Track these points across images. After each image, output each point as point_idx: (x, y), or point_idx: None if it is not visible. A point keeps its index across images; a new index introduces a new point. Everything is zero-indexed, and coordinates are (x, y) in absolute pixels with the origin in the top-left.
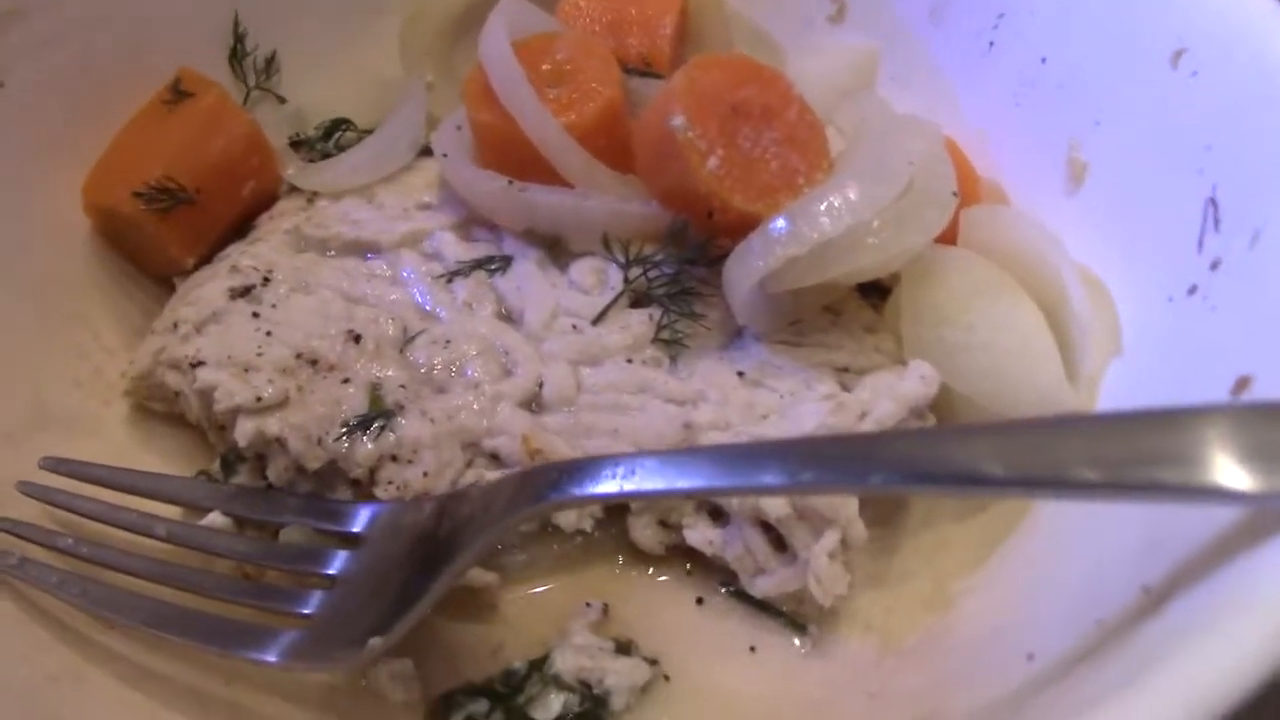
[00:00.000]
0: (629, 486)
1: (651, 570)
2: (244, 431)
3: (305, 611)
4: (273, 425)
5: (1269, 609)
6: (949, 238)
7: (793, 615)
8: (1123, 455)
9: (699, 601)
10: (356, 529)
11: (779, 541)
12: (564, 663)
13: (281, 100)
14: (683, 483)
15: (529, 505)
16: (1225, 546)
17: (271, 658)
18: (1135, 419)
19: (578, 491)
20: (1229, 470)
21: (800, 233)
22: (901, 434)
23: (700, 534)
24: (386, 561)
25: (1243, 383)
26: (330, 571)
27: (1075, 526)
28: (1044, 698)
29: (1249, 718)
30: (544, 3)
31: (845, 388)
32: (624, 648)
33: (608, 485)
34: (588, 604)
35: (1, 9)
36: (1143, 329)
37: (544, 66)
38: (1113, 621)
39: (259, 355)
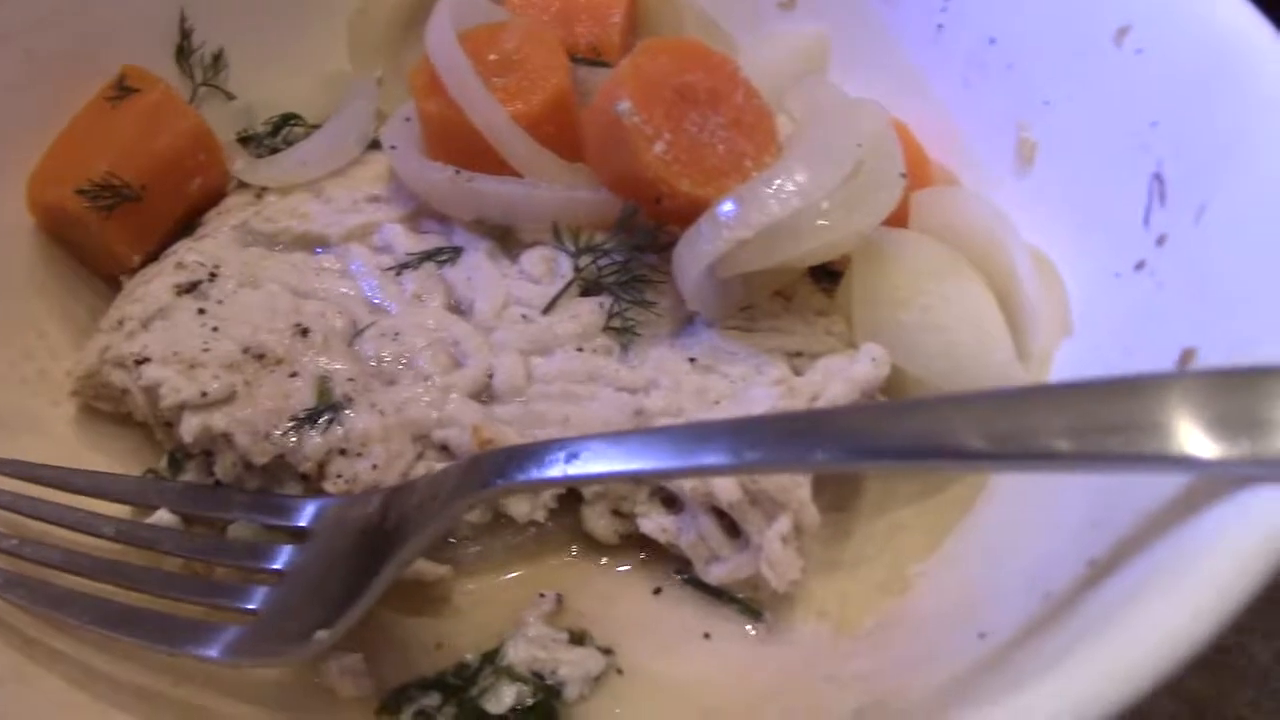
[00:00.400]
0: (574, 470)
1: (606, 560)
2: (189, 428)
3: (251, 607)
4: (219, 421)
5: (1201, 578)
6: (899, 220)
7: (748, 602)
8: (1088, 424)
9: (656, 592)
10: (303, 523)
11: (733, 528)
12: (516, 654)
13: (230, 97)
14: (629, 464)
15: (473, 492)
16: (1166, 519)
17: (215, 653)
18: (1096, 388)
19: (522, 477)
20: (1195, 438)
21: (748, 216)
22: (847, 409)
23: (654, 522)
24: (332, 555)
25: (1187, 355)
26: (276, 566)
27: (1028, 504)
28: (990, 675)
29: None
30: None
31: (797, 372)
32: (578, 638)
33: (553, 470)
34: (541, 595)
35: None
36: (1091, 306)
37: (491, 56)
38: (1059, 596)
39: (205, 351)
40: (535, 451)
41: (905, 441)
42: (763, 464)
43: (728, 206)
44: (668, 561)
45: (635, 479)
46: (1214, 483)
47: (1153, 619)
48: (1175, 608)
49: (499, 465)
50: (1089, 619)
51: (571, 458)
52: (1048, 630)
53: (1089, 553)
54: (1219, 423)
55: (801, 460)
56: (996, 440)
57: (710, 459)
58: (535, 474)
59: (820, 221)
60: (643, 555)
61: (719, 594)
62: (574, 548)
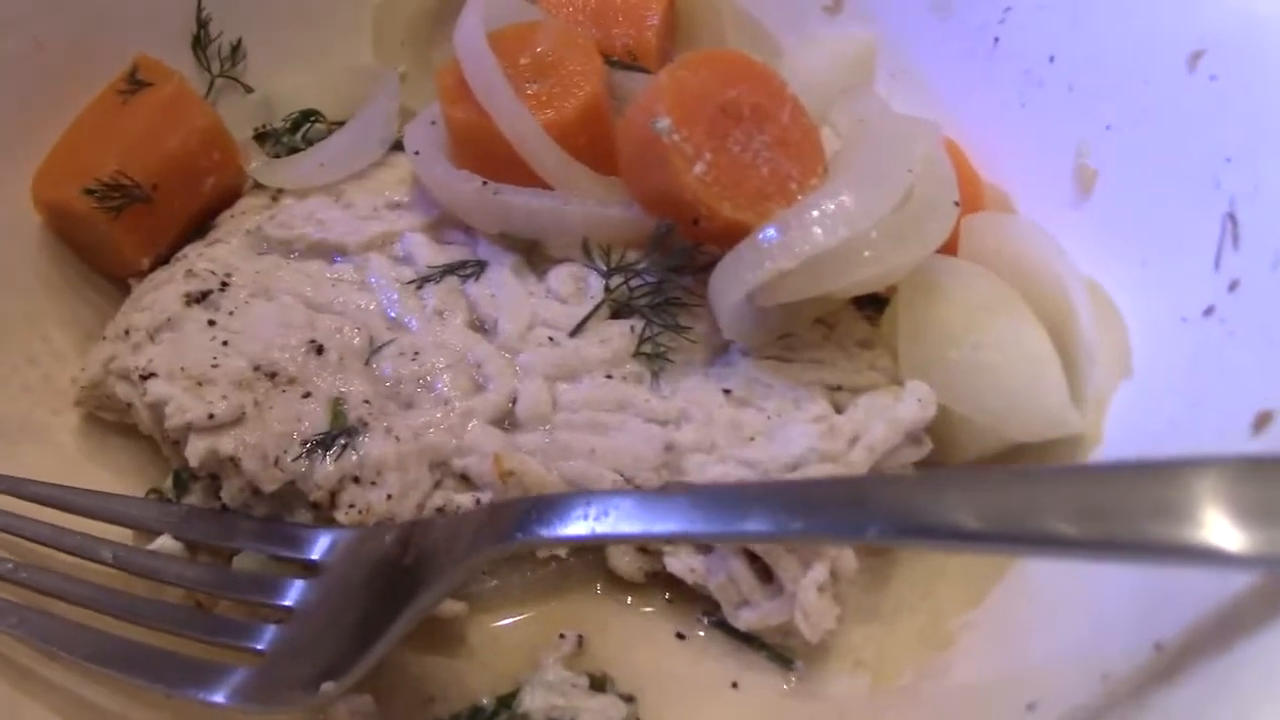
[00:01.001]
0: (602, 529)
1: (630, 599)
2: (195, 451)
3: (258, 647)
4: (226, 444)
5: None
6: (949, 247)
7: (778, 649)
8: (1102, 507)
9: (680, 636)
10: (315, 556)
11: (765, 571)
12: (534, 700)
13: (248, 89)
14: (660, 527)
15: (494, 545)
16: (1240, 609)
17: (219, 698)
18: (1125, 470)
19: (546, 533)
20: (1222, 529)
21: (791, 244)
22: (898, 480)
23: (682, 562)
24: (346, 593)
25: (1264, 419)
26: (286, 603)
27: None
28: None
29: None
30: None
31: (837, 407)
32: (598, 683)
33: (579, 526)
34: (561, 635)
35: None
36: (1154, 350)
37: (522, 59)
38: (1121, 678)
39: (214, 367)
40: (561, 506)
41: (966, 522)
42: (807, 534)
43: (770, 233)
44: (694, 603)
45: (667, 541)
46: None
47: None
48: None
49: (521, 518)
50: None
51: (600, 515)
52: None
53: (1155, 633)
54: (1252, 512)
55: (850, 535)
56: (989, 520)
57: (750, 526)
58: (559, 530)
59: (867, 252)
60: (668, 595)
61: (748, 640)
62: (597, 585)
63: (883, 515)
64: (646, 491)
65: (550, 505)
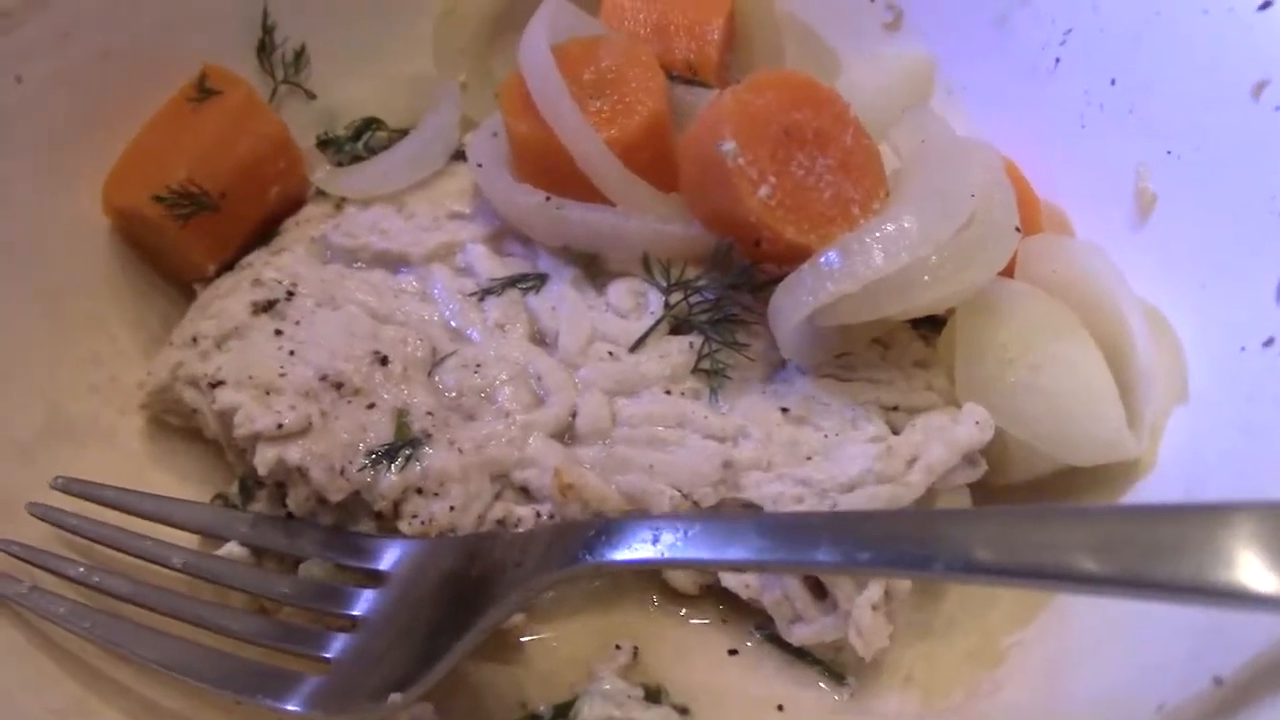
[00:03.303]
0: (670, 554)
1: (684, 611)
2: (264, 459)
3: (327, 655)
4: (294, 454)
5: None
6: (1006, 269)
7: (830, 665)
8: (1125, 543)
9: (733, 652)
10: (382, 567)
11: (819, 588)
12: (591, 710)
13: (311, 96)
14: (729, 554)
15: (561, 567)
16: None
17: (294, 706)
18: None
19: (612, 556)
20: (1255, 570)
21: (853, 269)
22: (965, 516)
23: (737, 577)
24: (413, 603)
25: None
26: (355, 612)
27: None
28: None
29: None
30: (587, 2)
31: (894, 427)
32: (653, 694)
33: (645, 551)
34: (617, 646)
35: None
36: (1211, 377)
37: (586, 74)
38: (1177, 709)
39: (281, 376)
40: (628, 530)
41: (1033, 562)
42: (873, 567)
43: (833, 257)
44: (748, 616)
45: (733, 568)
46: None
47: None
48: None
49: (589, 540)
50: None
51: (667, 540)
52: None
53: (1212, 665)
54: None
55: (916, 570)
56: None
57: (818, 556)
58: (626, 554)
59: (928, 277)
60: (721, 608)
61: (800, 654)
62: (652, 596)
63: (949, 552)
64: (713, 517)
65: (617, 529)
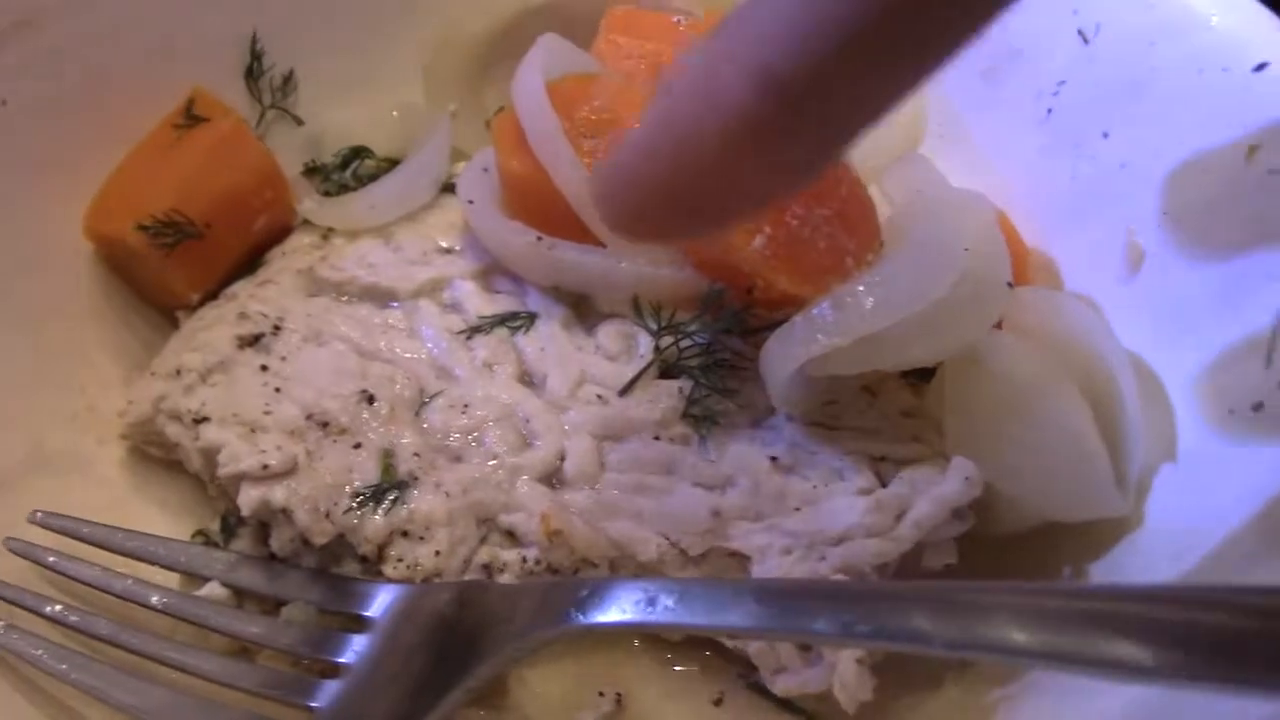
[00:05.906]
0: (664, 618)
1: (669, 655)
2: (248, 500)
3: (313, 704)
4: (279, 495)
5: None
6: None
7: (814, 715)
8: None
9: (717, 702)
10: (368, 612)
11: None
12: None
13: (299, 121)
14: (725, 620)
15: (549, 627)
16: None
17: None
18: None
19: (602, 619)
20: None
21: (845, 323)
22: (963, 590)
23: None
24: (402, 652)
25: None
26: (341, 659)
27: None
28: None
29: None
30: (581, 36)
31: (881, 478)
32: None
33: (637, 614)
34: (600, 693)
35: (12, 18)
36: (1199, 438)
37: (579, 113)
38: None
39: (267, 414)
40: (622, 592)
41: (1047, 642)
42: (873, 640)
43: (825, 309)
44: (732, 663)
45: (729, 635)
46: None
47: None
48: None
49: (579, 601)
50: None
51: (660, 605)
52: None
53: None
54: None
55: (922, 647)
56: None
57: (816, 625)
58: (616, 617)
59: (920, 332)
60: (707, 653)
61: (785, 704)
62: (636, 640)
63: (944, 633)
64: (708, 582)
65: (608, 589)
